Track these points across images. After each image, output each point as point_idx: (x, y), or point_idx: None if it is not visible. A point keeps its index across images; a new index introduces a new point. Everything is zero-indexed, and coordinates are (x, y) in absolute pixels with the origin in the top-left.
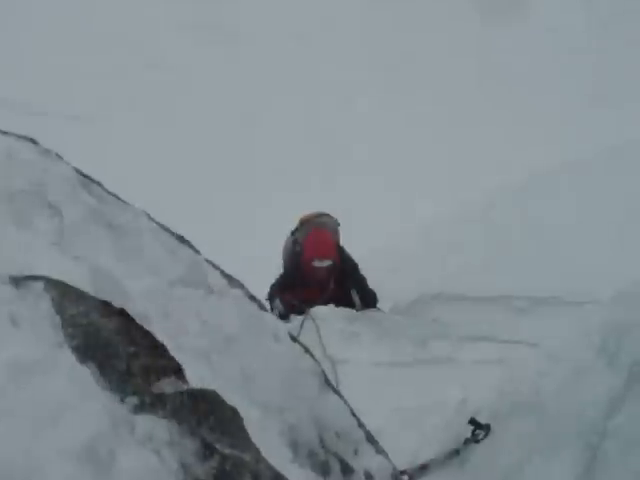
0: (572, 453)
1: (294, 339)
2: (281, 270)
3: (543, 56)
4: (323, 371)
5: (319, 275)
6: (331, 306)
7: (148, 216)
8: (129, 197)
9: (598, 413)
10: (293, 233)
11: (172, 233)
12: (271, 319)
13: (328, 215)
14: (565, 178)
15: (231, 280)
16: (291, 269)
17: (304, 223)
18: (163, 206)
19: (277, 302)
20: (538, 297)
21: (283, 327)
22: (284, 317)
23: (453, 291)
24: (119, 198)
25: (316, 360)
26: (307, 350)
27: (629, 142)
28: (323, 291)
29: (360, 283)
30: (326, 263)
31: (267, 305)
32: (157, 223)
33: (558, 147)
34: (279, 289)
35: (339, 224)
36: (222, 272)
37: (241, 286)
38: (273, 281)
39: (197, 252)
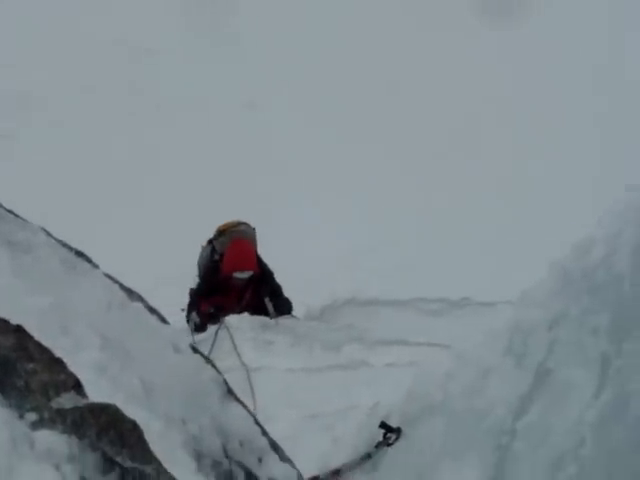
0: (482, 454)
1: (195, 350)
2: (197, 280)
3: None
4: (225, 381)
5: (238, 285)
6: (245, 315)
7: (46, 232)
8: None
9: (507, 413)
10: (210, 242)
11: (70, 248)
12: (171, 331)
13: (246, 224)
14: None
15: (130, 293)
16: (209, 278)
17: (223, 232)
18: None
19: (193, 315)
20: (450, 299)
21: (184, 338)
22: (200, 328)
23: (366, 295)
24: (17, 215)
25: (218, 370)
26: (209, 360)
27: None
28: (240, 299)
29: (275, 291)
30: (247, 274)
31: (185, 314)
32: (55, 239)
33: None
34: (197, 299)
35: (255, 230)
36: (121, 285)
37: (140, 299)
38: (191, 288)
39: (96, 266)
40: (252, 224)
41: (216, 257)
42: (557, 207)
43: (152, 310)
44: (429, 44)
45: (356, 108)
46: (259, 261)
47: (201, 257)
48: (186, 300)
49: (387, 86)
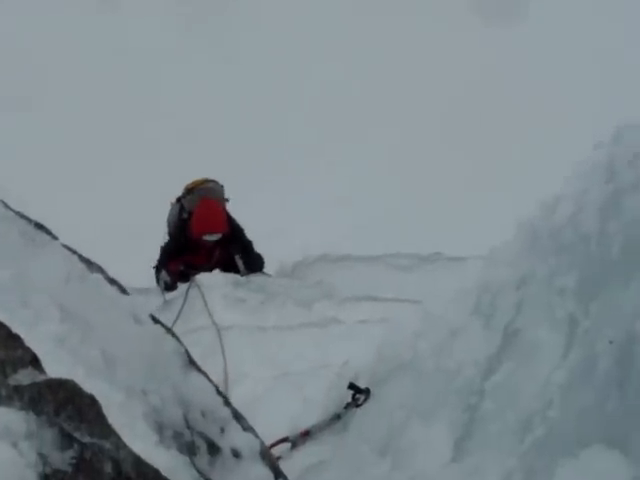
0: (451, 414)
1: (156, 320)
2: (167, 237)
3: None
4: (187, 351)
5: (208, 245)
6: (216, 272)
7: (4, 204)
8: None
9: (475, 373)
10: (179, 200)
11: (29, 220)
12: (131, 301)
13: (214, 181)
14: None
15: (90, 264)
16: (178, 237)
17: (191, 190)
18: None
19: (163, 274)
20: (421, 254)
21: (144, 309)
22: (170, 287)
23: (338, 252)
24: None
25: (179, 339)
26: (169, 330)
27: None
28: (209, 257)
29: (246, 248)
30: (216, 236)
31: (154, 274)
32: (13, 211)
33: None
34: (166, 258)
35: (223, 187)
36: (80, 257)
37: (100, 270)
38: (161, 246)
39: (55, 238)
40: (220, 181)
41: (185, 215)
42: (527, 164)
43: (112, 281)
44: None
45: (368, 74)
46: (229, 219)
47: (170, 215)
48: (157, 257)
49: (384, 70)
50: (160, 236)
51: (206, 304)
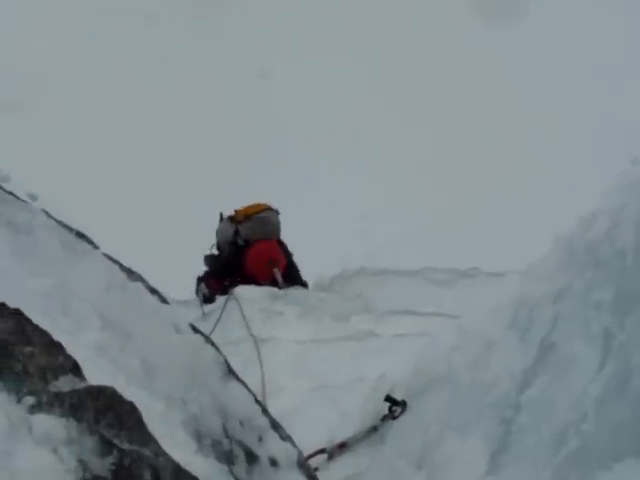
0: (487, 427)
1: (196, 330)
2: (214, 250)
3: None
4: (226, 360)
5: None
6: (254, 285)
7: (46, 214)
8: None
9: (511, 387)
10: (233, 220)
11: (70, 229)
12: (171, 311)
13: (270, 209)
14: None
15: (131, 273)
16: (230, 261)
17: (249, 217)
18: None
19: (202, 286)
20: (459, 269)
21: (184, 318)
22: (209, 300)
23: (376, 265)
24: (17, 197)
25: (218, 349)
26: (209, 340)
27: None
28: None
29: (290, 269)
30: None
31: (195, 285)
32: (55, 220)
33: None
34: (211, 274)
35: (279, 214)
36: (121, 266)
37: (141, 279)
38: (205, 255)
39: (96, 247)
40: (275, 206)
41: (240, 242)
42: (564, 179)
43: (153, 290)
44: (428, 44)
45: (370, 74)
46: (285, 253)
47: (222, 232)
48: (194, 269)
49: (402, 50)
50: (198, 247)
51: (244, 316)
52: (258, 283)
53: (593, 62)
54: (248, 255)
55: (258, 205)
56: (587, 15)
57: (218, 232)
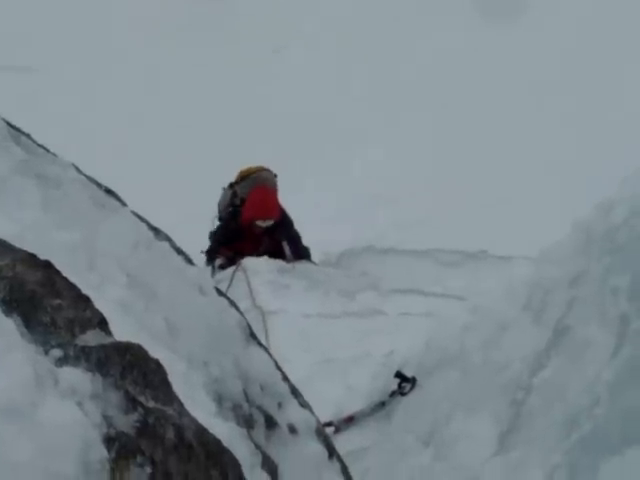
0: (497, 408)
1: (220, 292)
2: (216, 222)
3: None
4: (249, 324)
5: (258, 232)
6: (264, 257)
7: (76, 168)
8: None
9: (523, 368)
10: (231, 186)
11: (100, 185)
12: (197, 272)
13: (268, 170)
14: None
15: (158, 233)
16: (228, 223)
17: (245, 177)
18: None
19: (217, 261)
20: (467, 251)
21: (209, 280)
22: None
23: (384, 244)
24: (48, 150)
25: (242, 313)
26: (233, 303)
27: None
28: (258, 245)
29: (294, 239)
30: (267, 223)
31: (204, 258)
32: (85, 175)
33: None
34: (217, 245)
35: (276, 176)
36: (148, 225)
37: (168, 239)
38: (210, 231)
39: (124, 204)
40: (273, 170)
41: (237, 202)
42: (581, 166)
43: (179, 251)
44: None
45: (381, 54)
46: (280, 209)
47: (222, 200)
48: (206, 241)
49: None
50: (208, 220)
51: (250, 287)
52: (255, 233)
53: (599, 55)
54: (244, 206)
55: (256, 167)
56: (587, 15)
57: (219, 203)
